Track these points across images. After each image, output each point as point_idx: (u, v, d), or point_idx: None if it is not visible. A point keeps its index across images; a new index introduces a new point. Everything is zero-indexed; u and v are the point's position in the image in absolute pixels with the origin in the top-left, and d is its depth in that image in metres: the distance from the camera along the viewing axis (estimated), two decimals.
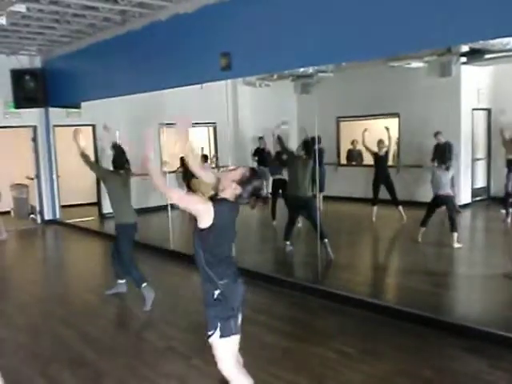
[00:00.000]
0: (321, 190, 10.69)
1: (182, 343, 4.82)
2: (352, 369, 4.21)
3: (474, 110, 11.34)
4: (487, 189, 11.85)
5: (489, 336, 4.62)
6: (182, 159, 12.44)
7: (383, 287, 6.76)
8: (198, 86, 8.94)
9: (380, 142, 10.20)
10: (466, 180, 11.16)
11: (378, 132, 13.81)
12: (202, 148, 12.88)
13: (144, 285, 5.76)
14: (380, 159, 10.03)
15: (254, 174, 3.09)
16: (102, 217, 11.86)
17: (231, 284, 3.07)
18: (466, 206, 11.16)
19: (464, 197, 11.20)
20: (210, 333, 3.06)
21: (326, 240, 7.16)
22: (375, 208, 9.96)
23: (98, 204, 12.12)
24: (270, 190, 10.94)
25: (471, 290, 6.35)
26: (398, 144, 12.07)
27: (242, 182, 3.02)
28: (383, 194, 9.95)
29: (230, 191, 3.03)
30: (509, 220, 9.15)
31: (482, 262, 7.50)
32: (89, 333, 5.19)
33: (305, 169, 7.46)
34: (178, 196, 3.06)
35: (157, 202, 10.80)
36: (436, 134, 10.15)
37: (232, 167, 3.24)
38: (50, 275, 7.90)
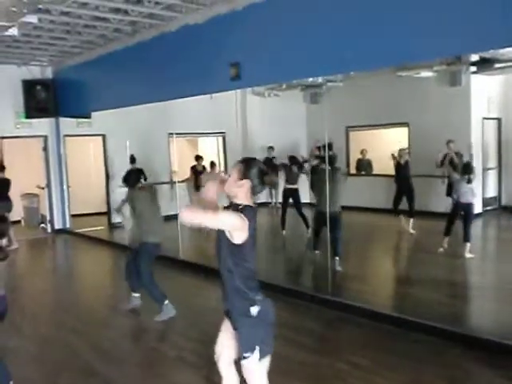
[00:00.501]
0: None
1: (193, 354, 4.79)
2: (366, 381, 4.17)
3: (484, 119, 11.28)
4: (498, 198, 11.75)
5: (503, 347, 4.56)
6: (192, 168, 12.49)
7: (396, 298, 6.71)
8: (208, 95, 9.00)
9: (401, 151, 10.10)
10: (476, 189, 11.06)
11: (388, 141, 13.84)
12: (200, 156, 12.83)
13: (166, 302, 5.68)
14: (401, 168, 9.95)
15: (247, 160, 2.94)
16: (112, 226, 11.89)
17: (265, 298, 2.90)
18: (477, 215, 11.06)
19: (475, 206, 11.10)
20: (246, 355, 2.82)
21: (338, 258, 7.15)
22: (402, 218, 9.86)
23: (108, 213, 12.15)
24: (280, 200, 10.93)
25: (484, 300, 6.27)
26: (409, 153, 12.02)
27: (245, 174, 2.83)
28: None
29: (242, 192, 2.85)
30: None
31: (494, 272, 7.43)
32: (99, 343, 5.18)
33: (334, 183, 7.26)
34: (213, 218, 2.76)
35: (166, 210, 10.83)
36: (448, 142, 10.15)
37: (222, 172, 3.14)
38: (60, 285, 7.91)
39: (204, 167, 12.55)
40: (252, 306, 2.82)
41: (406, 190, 9.87)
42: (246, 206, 2.83)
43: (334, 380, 4.20)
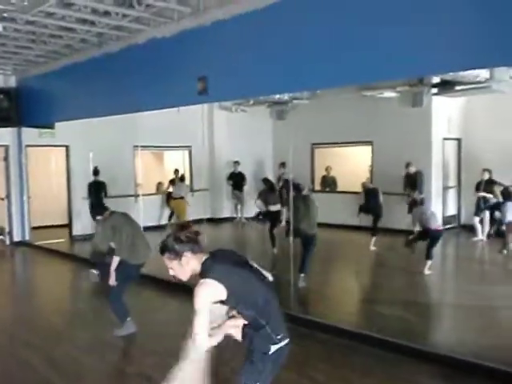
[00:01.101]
0: None
1: (155, 369, 4.70)
2: None
3: (444, 139, 11.60)
4: (458, 216, 12.06)
5: (459, 363, 4.65)
6: (171, 182, 12.52)
7: (355, 313, 6.77)
8: (175, 109, 8.99)
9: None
10: (437, 208, 11.32)
11: (353, 159, 14.07)
12: (177, 170, 12.84)
13: (128, 319, 5.54)
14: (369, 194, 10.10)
15: (161, 245, 2.75)
16: (73, 239, 11.67)
17: (285, 337, 2.89)
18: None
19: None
20: None
21: (303, 275, 7.21)
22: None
23: (69, 226, 11.92)
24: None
25: (443, 317, 6.41)
26: (371, 172, 12.24)
27: (173, 253, 2.70)
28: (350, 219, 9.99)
29: (191, 264, 2.70)
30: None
31: (451, 290, 7.60)
32: (55, 357, 5.05)
33: (307, 208, 7.53)
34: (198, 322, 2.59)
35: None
36: (407, 165, 10.44)
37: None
38: (16, 298, 7.70)
39: (182, 177, 12.60)
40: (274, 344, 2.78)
41: (374, 213, 9.98)
42: (204, 264, 2.68)
43: None
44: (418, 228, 8.52)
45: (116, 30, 7.40)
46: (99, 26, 7.22)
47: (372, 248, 9.77)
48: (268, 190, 10.07)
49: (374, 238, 9.82)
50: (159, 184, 13.62)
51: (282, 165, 11.59)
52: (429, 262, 7.82)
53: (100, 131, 10.59)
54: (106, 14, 6.78)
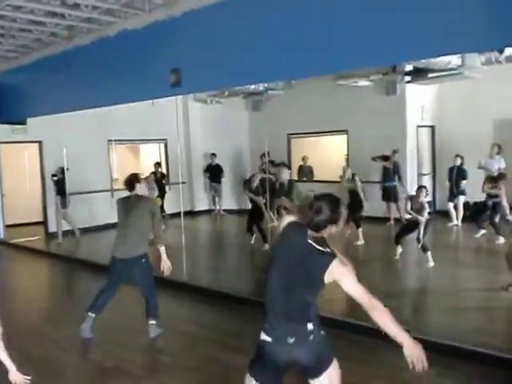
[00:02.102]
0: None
1: (132, 363, 4.71)
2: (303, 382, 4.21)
3: (418, 127, 11.73)
4: (433, 203, 12.21)
5: (438, 346, 4.73)
6: (153, 174, 12.43)
7: (332, 300, 6.83)
8: (150, 102, 8.92)
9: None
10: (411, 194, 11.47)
11: (329, 148, 14.15)
12: (159, 163, 12.76)
13: (94, 316, 5.28)
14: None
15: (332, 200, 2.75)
16: (48, 236, 11.53)
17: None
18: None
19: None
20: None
21: None
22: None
23: (45, 223, 11.77)
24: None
25: (420, 302, 6.51)
26: (347, 160, 12.32)
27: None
28: None
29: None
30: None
31: (431, 276, 7.71)
32: (34, 355, 4.99)
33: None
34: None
35: (105, 219, 10.64)
36: (394, 152, 10.58)
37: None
38: None
39: (162, 173, 12.52)
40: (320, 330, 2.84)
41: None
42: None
43: None
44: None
45: (86, 23, 7.29)
46: (69, 19, 7.10)
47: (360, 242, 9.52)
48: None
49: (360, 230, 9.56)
50: None
51: (263, 156, 11.51)
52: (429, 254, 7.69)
53: (74, 126, 10.47)
54: (76, 6, 6.67)
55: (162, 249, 5.31)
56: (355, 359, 4.63)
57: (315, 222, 2.65)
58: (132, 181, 5.37)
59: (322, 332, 2.78)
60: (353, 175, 9.64)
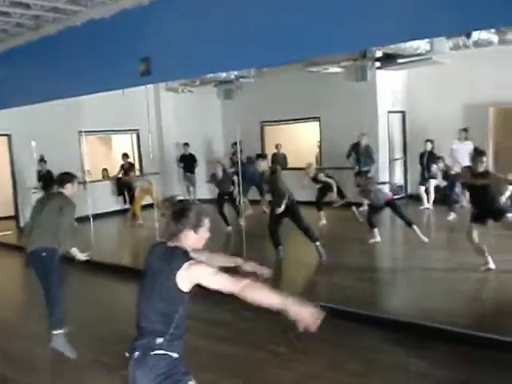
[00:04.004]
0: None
1: (110, 355, 4.68)
2: (287, 368, 4.28)
3: (389, 112, 11.85)
4: (405, 187, 12.40)
5: (412, 327, 4.85)
6: (121, 166, 12.32)
7: (311, 285, 6.91)
8: (120, 91, 8.80)
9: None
10: (384, 179, 11.62)
11: (302, 135, 14.20)
12: (126, 154, 12.67)
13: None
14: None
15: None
16: (21, 230, 11.33)
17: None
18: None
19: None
20: None
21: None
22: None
23: (16, 217, 11.58)
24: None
25: (395, 283, 6.63)
26: (320, 147, 12.40)
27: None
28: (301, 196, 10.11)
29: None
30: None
31: (402, 257, 7.85)
32: (8, 351, 4.95)
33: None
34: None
35: (78, 212, 10.49)
36: (361, 135, 10.66)
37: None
38: None
39: (131, 164, 12.46)
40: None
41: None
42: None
43: (255, 369, 4.28)
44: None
45: (52, 12, 7.13)
46: (34, 9, 6.94)
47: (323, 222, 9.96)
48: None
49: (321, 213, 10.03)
50: (104, 170, 13.41)
51: (235, 144, 11.52)
52: (415, 228, 7.98)
53: (42, 118, 10.29)
54: None
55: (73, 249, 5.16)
56: (330, 342, 4.70)
57: (167, 230, 2.62)
58: (63, 179, 5.25)
59: (176, 355, 2.55)
60: (315, 175, 9.86)
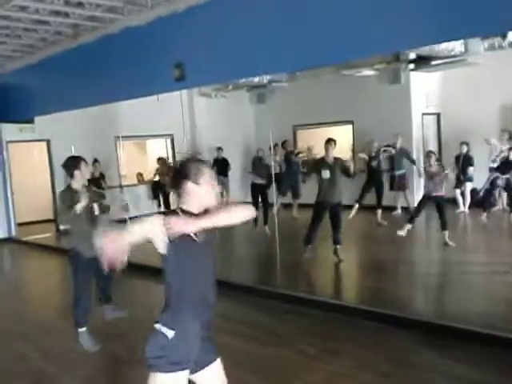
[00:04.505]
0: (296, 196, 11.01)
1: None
2: (315, 368, 4.31)
3: (424, 114, 11.73)
4: None
5: (441, 329, 4.82)
6: (156, 170, 12.58)
7: (339, 287, 6.93)
8: (155, 97, 8.99)
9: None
10: (418, 183, 11.50)
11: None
12: (161, 158, 12.92)
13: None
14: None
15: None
16: (60, 233, 11.66)
17: None
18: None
19: (418, 199, 11.54)
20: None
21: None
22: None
23: (55, 220, 11.92)
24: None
25: (422, 286, 6.59)
26: (353, 150, 12.35)
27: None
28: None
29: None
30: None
31: (434, 259, 7.77)
32: (49, 349, 5.12)
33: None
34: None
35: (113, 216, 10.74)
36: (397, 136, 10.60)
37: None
38: (6, 293, 7.72)
39: (169, 167, 12.71)
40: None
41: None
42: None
43: (286, 369, 4.32)
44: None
45: (90, 21, 7.38)
46: (73, 18, 7.20)
47: (381, 222, 10.14)
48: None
49: (379, 212, 10.17)
50: (139, 174, 13.65)
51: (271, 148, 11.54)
52: (446, 232, 8.01)
53: (81, 124, 10.56)
54: (80, 4, 6.77)
55: None
56: (357, 342, 4.72)
57: (173, 191, 2.59)
58: (69, 167, 4.86)
59: (172, 334, 2.44)
60: None
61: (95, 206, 4.96)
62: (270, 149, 10.76)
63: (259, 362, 4.50)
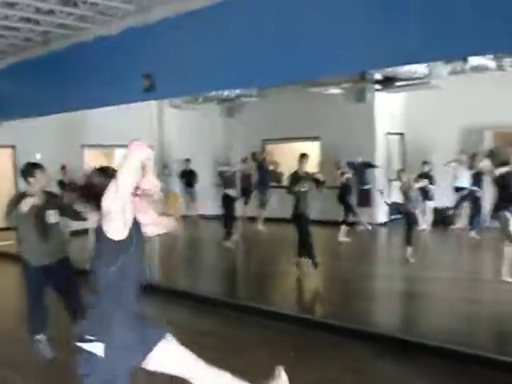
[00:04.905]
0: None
1: None
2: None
3: (388, 134, 12.04)
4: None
5: (394, 340, 4.98)
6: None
7: (300, 299, 7.05)
8: (124, 106, 9.01)
9: None
10: (381, 200, 11.77)
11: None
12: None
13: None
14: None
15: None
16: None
17: None
18: (383, 224, 11.76)
19: (381, 216, 11.82)
20: None
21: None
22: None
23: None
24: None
25: (379, 299, 6.76)
26: (320, 166, 12.54)
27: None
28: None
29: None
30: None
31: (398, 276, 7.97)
32: (9, 356, 5.05)
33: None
34: None
35: (80, 225, 10.63)
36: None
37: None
38: None
39: None
40: None
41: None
42: None
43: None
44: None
45: (61, 29, 7.39)
46: (44, 25, 7.19)
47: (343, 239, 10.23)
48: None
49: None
50: None
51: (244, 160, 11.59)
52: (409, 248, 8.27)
53: (47, 131, 10.49)
54: (50, 12, 6.77)
55: None
56: (314, 353, 4.82)
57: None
58: (26, 173, 4.81)
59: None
60: None
61: (50, 212, 4.85)
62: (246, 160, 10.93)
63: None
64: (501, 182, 6.84)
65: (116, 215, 2.25)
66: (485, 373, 4.35)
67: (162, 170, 11.95)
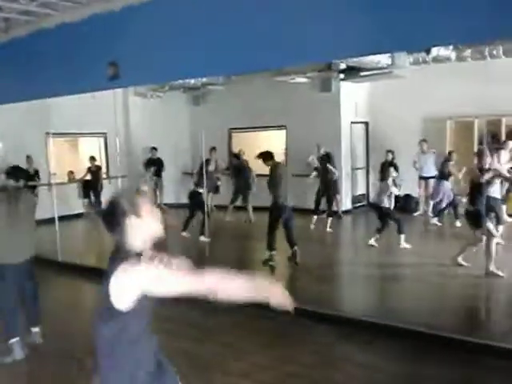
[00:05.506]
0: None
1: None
2: (240, 360, 4.49)
3: (352, 123, 12.24)
4: (366, 195, 12.80)
5: (360, 323, 5.15)
6: (88, 169, 12.41)
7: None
8: (89, 95, 8.91)
9: None
10: (346, 188, 11.99)
11: (268, 143, 14.45)
12: (93, 157, 12.77)
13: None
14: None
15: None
16: None
17: None
18: (347, 211, 11.99)
19: (345, 203, 12.04)
20: None
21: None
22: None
23: None
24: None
25: (346, 283, 6.96)
26: (286, 154, 12.69)
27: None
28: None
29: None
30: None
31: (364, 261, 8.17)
32: None
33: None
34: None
35: (43, 214, 10.50)
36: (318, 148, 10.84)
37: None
38: None
39: (98, 167, 12.59)
40: None
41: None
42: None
43: (213, 361, 4.48)
44: None
45: (23, 15, 7.24)
46: (5, 11, 7.04)
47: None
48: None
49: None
50: (70, 173, 13.40)
51: (213, 149, 11.43)
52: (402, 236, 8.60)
53: (10, 119, 10.28)
54: None
55: None
56: (286, 336, 4.94)
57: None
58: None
59: None
60: None
61: (21, 206, 4.85)
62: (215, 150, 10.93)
63: (189, 356, 4.63)
64: None
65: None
66: (449, 353, 4.55)
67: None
